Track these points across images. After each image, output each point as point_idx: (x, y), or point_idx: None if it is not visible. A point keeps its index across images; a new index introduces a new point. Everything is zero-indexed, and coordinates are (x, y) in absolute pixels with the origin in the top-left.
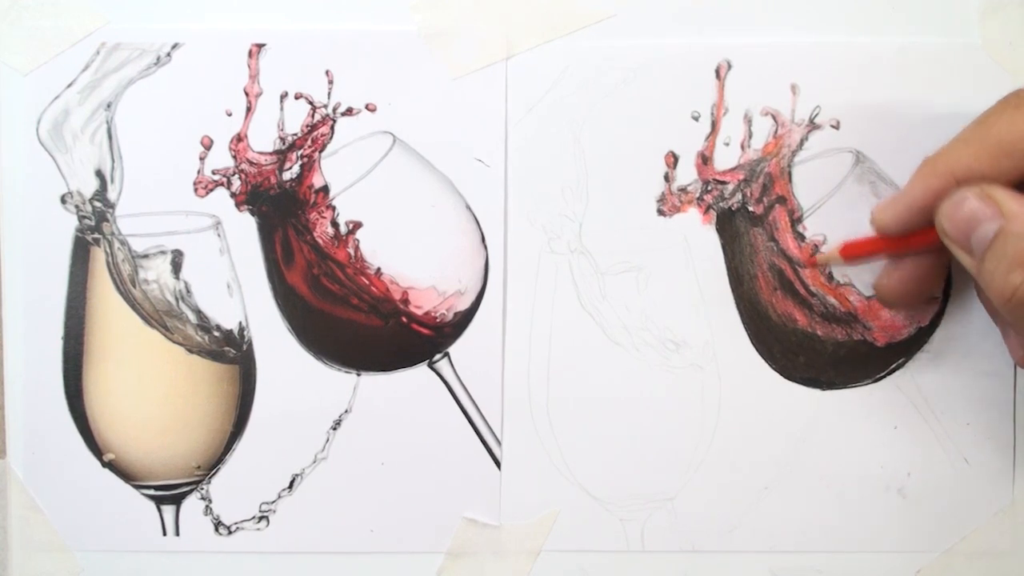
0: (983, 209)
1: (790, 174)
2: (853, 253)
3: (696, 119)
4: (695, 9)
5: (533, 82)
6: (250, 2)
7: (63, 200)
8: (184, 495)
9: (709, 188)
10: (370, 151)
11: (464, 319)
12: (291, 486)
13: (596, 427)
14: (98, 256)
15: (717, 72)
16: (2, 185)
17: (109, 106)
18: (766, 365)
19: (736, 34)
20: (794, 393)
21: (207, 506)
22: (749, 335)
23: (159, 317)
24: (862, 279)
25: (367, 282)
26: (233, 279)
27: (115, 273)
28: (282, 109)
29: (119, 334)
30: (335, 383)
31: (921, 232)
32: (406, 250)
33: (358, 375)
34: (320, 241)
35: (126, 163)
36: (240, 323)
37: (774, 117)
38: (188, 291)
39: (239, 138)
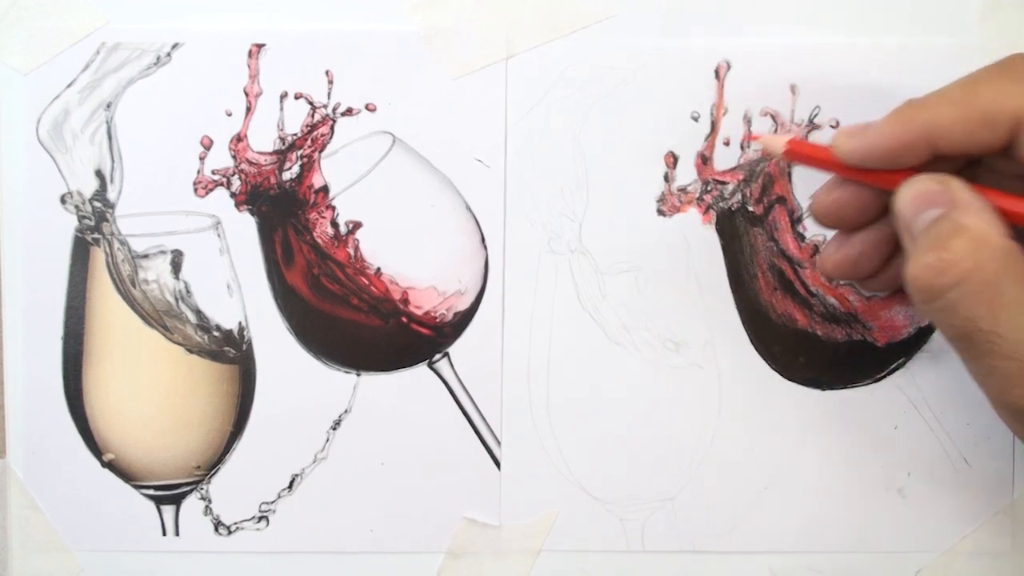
0: (938, 193)
1: (790, 174)
2: (797, 154)
3: (696, 119)
4: (695, 9)
5: (533, 82)
6: (250, 2)
7: (63, 200)
8: (184, 495)
9: (709, 188)
10: (370, 151)
11: (464, 319)
12: (291, 486)
13: (596, 427)
14: (98, 256)
15: (716, 72)
16: (2, 185)
17: (109, 106)
18: (766, 365)
19: (736, 34)
20: (794, 393)
21: (207, 506)
22: (749, 335)
23: (159, 317)
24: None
25: (367, 282)
26: (233, 279)
27: (115, 273)
28: (282, 109)
29: (119, 334)
30: (335, 383)
31: (866, 171)
32: (406, 250)
33: (358, 375)
34: (320, 241)
35: (126, 163)
36: (240, 323)
37: (773, 117)
38: (188, 291)
39: (239, 138)
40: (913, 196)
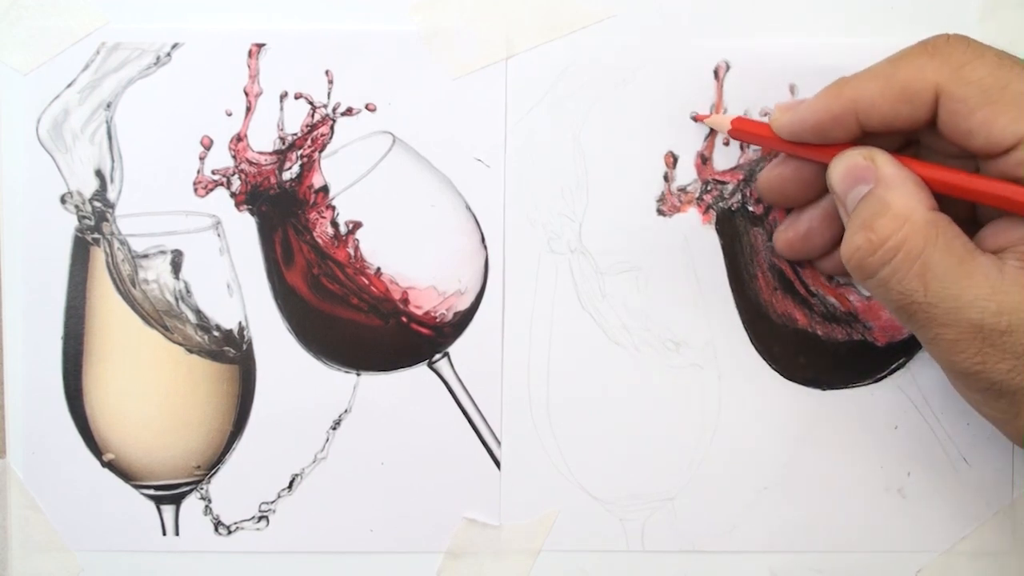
0: (864, 169)
1: None
2: (741, 131)
3: (696, 119)
4: (695, 9)
5: (533, 82)
6: (250, 2)
7: (63, 200)
8: (184, 495)
9: (709, 188)
10: (370, 151)
11: (464, 319)
12: (291, 486)
13: (596, 427)
14: (98, 256)
15: (716, 72)
16: (2, 185)
17: (109, 106)
18: (766, 365)
19: (735, 35)
20: (794, 393)
21: (207, 506)
22: (749, 335)
23: (159, 317)
24: None
25: (367, 282)
26: (233, 279)
27: (115, 273)
28: (282, 109)
29: (119, 334)
30: (335, 383)
31: (804, 145)
32: (406, 250)
33: (358, 375)
34: (320, 241)
35: (126, 163)
36: (240, 323)
37: None
38: (188, 291)
39: (239, 138)
40: (842, 171)
